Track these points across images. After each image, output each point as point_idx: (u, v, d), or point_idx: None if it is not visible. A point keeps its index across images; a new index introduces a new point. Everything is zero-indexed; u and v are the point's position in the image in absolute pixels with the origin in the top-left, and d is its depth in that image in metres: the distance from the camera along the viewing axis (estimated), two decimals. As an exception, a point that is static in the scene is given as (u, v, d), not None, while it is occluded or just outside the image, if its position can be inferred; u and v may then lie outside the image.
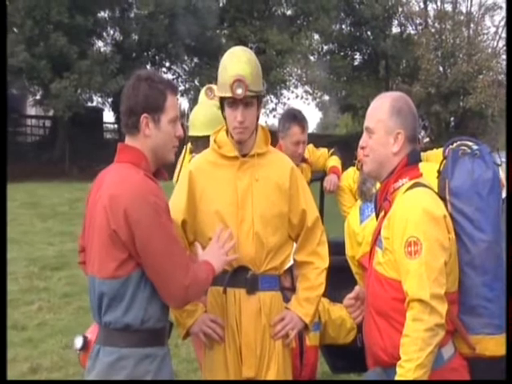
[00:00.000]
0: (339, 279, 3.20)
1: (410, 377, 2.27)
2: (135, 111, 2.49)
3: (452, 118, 31.80)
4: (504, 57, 31.84)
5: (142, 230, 2.35)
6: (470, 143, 2.61)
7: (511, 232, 2.69)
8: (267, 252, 2.92)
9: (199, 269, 2.53)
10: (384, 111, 2.54)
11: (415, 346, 2.28)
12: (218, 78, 2.94)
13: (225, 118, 2.99)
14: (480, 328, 2.49)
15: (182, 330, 2.97)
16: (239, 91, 2.84)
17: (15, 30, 21.80)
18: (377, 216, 2.66)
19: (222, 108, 2.98)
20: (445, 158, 2.62)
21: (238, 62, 2.90)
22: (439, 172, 2.62)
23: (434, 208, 2.42)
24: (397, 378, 2.31)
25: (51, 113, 26.42)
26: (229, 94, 2.86)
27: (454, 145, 2.63)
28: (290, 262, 3.22)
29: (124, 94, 2.53)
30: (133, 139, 2.54)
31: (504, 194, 3.21)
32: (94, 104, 27.16)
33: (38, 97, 25.40)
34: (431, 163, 2.81)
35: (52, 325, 6.83)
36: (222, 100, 2.94)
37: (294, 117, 4.43)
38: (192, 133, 4.20)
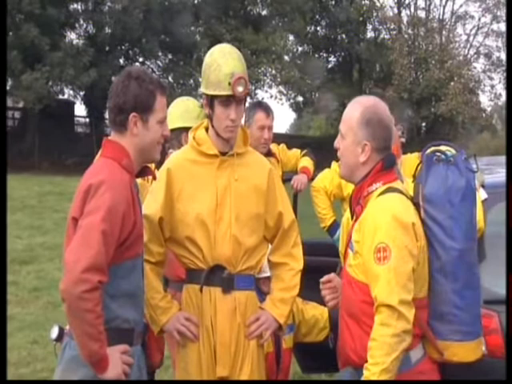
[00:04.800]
0: (313, 280, 3.22)
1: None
2: (124, 109, 2.48)
3: (423, 124, 32.14)
4: (475, 64, 32.39)
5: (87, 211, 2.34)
6: (445, 148, 2.62)
7: (510, 235, 2.74)
8: (244, 252, 2.92)
9: (99, 329, 2.29)
10: (354, 120, 2.55)
11: (381, 350, 2.31)
12: (208, 76, 2.89)
13: (208, 117, 2.96)
14: (449, 334, 2.51)
15: (155, 327, 2.94)
16: (241, 89, 2.83)
17: (-15, 19, 21.45)
18: (352, 218, 2.68)
19: (210, 106, 2.92)
20: (420, 162, 2.63)
21: (231, 60, 2.88)
22: (414, 177, 2.64)
23: (404, 215, 2.44)
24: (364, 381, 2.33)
25: (21, 104, 26.05)
26: (226, 92, 2.84)
27: (430, 150, 2.64)
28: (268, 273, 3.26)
29: (112, 91, 2.51)
30: (119, 136, 2.53)
31: (483, 197, 3.27)
32: (66, 97, 26.89)
33: (7, 87, 25.02)
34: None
35: (20, 319, 6.77)
36: (212, 98, 2.90)
37: (259, 104, 4.61)
38: None
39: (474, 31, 32.92)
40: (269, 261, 3.12)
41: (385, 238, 2.39)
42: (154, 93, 2.51)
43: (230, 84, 2.82)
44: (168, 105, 4.40)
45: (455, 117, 29.75)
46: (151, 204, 2.89)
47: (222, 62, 2.87)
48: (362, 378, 2.35)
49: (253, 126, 4.37)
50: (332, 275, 2.84)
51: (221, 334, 2.87)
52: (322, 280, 2.82)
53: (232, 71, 2.84)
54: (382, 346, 2.31)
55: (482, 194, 3.35)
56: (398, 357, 2.32)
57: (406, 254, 2.38)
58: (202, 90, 2.95)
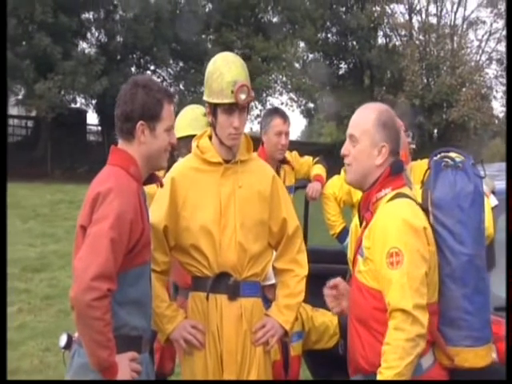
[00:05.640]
0: (319, 287, 3.23)
1: None
2: (131, 117, 2.49)
3: (435, 130, 32.06)
4: (487, 70, 32.25)
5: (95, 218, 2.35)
6: (454, 155, 2.63)
7: (511, 241, 2.72)
8: (249, 259, 2.92)
9: (108, 335, 2.29)
10: (370, 122, 2.56)
11: (395, 354, 2.30)
12: (210, 84, 2.90)
13: (211, 125, 2.96)
14: (459, 340, 2.51)
15: (162, 335, 2.95)
16: (243, 97, 2.83)
17: (-1, 28, 21.59)
18: (360, 224, 2.68)
19: (213, 114, 2.92)
20: (428, 168, 2.64)
21: (234, 68, 2.89)
22: (422, 183, 2.65)
23: (414, 219, 2.44)
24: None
25: (34, 113, 26.23)
26: (229, 100, 2.84)
27: (438, 156, 2.65)
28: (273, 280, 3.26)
29: (120, 99, 2.52)
30: (127, 144, 2.54)
31: (493, 203, 3.26)
32: (78, 105, 27.03)
33: (20, 97, 25.21)
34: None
35: (32, 327, 6.78)
36: (215, 106, 2.90)
37: (276, 110, 4.64)
38: None
39: (485, 37, 32.86)
40: (274, 267, 3.12)
41: (397, 242, 2.38)
42: (162, 101, 2.52)
43: (232, 92, 2.83)
44: (179, 112, 4.45)
45: (467, 123, 29.66)
46: (156, 213, 2.89)
47: (225, 70, 2.87)
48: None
49: (270, 132, 4.39)
50: (338, 279, 2.84)
51: (227, 341, 2.88)
52: (328, 285, 2.82)
53: (235, 79, 2.84)
54: (396, 350, 2.30)
55: (492, 201, 3.34)
56: (412, 361, 2.31)
57: (418, 259, 2.38)
58: (204, 98, 2.96)
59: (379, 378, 2.32)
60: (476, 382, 2.59)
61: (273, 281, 3.28)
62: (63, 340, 2.79)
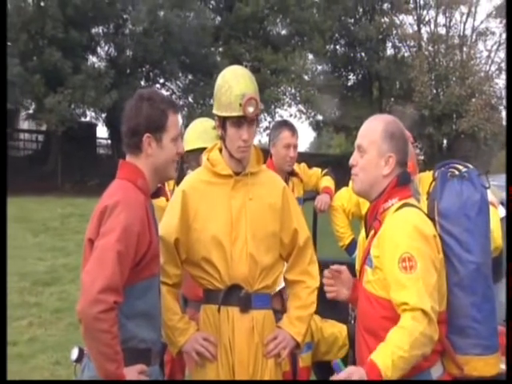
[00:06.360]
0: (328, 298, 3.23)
1: (388, 362, 2.23)
2: (137, 131, 2.51)
3: (445, 141, 32.01)
4: (496, 81, 32.15)
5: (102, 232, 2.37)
6: (459, 166, 2.66)
7: (511, 245, 2.72)
8: (260, 271, 2.93)
9: (115, 344, 2.29)
10: (378, 133, 2.58)
11: (410, 338, 2.27)
12: (219, 97, 2.91)
13: (221, 138, 2.98)
14: (468, 348, 2.51)
15: (174, 348, 2.95)
16: (251, 109, 2.85)
17: (9, 43, 21.75)
18: (366, 235, 2.69)
19: (222, 127, 2.93)
20: (434, 179, 2.66)
21: (243, 81, 2.90)
22: (428, 193, 2.67)
23: (425, 227, 2.45)
24: (375, 353, 2.28)
25: (44, 127, 26.39)
26: (237, 113, 2.86)
27: (444, 167, 2.67)
28: (282, 285, 3.25)
29: (125, 115, 2.55)
30: (134, 158, 2.56)
31: (502, 214, 3.25)
32: (88, 119, 27.18)
33: (30, 111, 25.37)
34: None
35: (43, 340, 6.79)
36: (224, 120, 2.92)
37: (284, 122, 4.65)
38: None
39: (495, 47, 32.76)
40: (285, 279, 3.13)
41: (408, 248, 2.39)
42: (166, 112, 2.55)
43: (240, 105, 2.84)
44: (188, 125, 4.47)
45: (477, 133, 29.58)
46: (167, 226, 2.91)
47: (233, 83, 2.89)
48: (374, 352, 2.29)
49: (278, 145, 4.40)
50: (343, 267, 2.85)
51: (239, 353, 2.88)
52: (331, 268, 2.82)
53: (243, 92, 2.86)
54: (411, 336, 2.27)
55: (501, 212, 3.33)
56: (416, 357, 2.29)
57: (430, 265, 2.39)
58: (214, 111, 2.98)
59: (383, 351, 2.27)
60: (476, 383, 2.57)
61: (282, 285, 3.25)
62: (75, 353, 2.80)
